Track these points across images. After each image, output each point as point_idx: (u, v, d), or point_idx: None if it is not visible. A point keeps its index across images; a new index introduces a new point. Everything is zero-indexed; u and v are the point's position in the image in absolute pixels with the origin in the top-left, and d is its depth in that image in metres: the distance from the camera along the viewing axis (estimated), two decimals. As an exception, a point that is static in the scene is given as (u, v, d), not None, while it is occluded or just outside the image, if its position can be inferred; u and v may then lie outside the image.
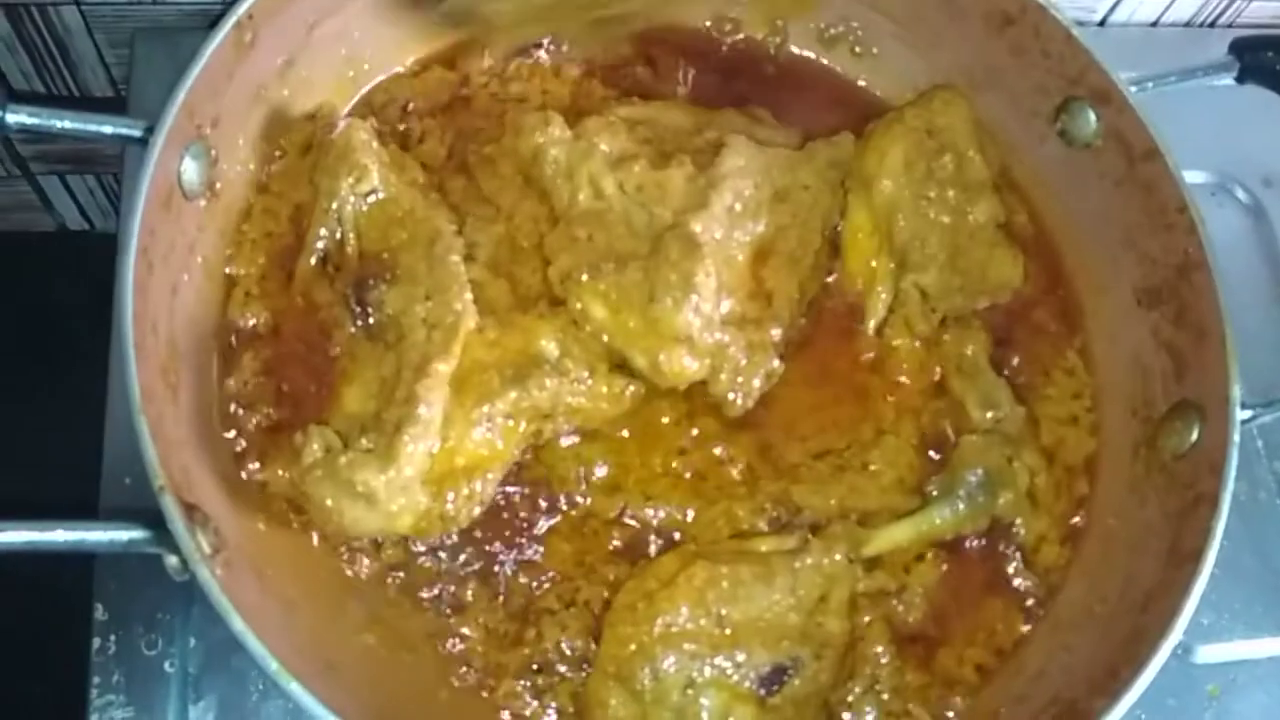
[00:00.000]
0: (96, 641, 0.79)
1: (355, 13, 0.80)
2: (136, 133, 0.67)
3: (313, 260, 0.76)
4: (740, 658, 0.69)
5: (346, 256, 0.76)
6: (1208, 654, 0.91)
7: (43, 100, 1.00)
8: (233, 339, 0.75)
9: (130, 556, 0.80)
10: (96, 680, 0.79)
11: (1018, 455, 0.77)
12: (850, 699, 0.71)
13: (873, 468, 0.78)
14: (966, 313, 0.82)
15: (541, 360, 0.73)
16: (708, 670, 0.69)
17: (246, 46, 0.72)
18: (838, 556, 0.72)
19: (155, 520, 0.60)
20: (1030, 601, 0.76)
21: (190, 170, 0.70)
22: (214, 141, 0.72)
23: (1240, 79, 0.81)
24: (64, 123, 0.66)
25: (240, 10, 0.70)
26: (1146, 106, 0.78)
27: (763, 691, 0.69)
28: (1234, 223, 1.09)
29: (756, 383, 0.77)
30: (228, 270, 0.76)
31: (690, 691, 0.68)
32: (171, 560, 0.60)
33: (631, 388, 0.76)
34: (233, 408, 0.73)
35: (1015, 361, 0.83)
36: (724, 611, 0.69)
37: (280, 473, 0.71)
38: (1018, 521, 0.77)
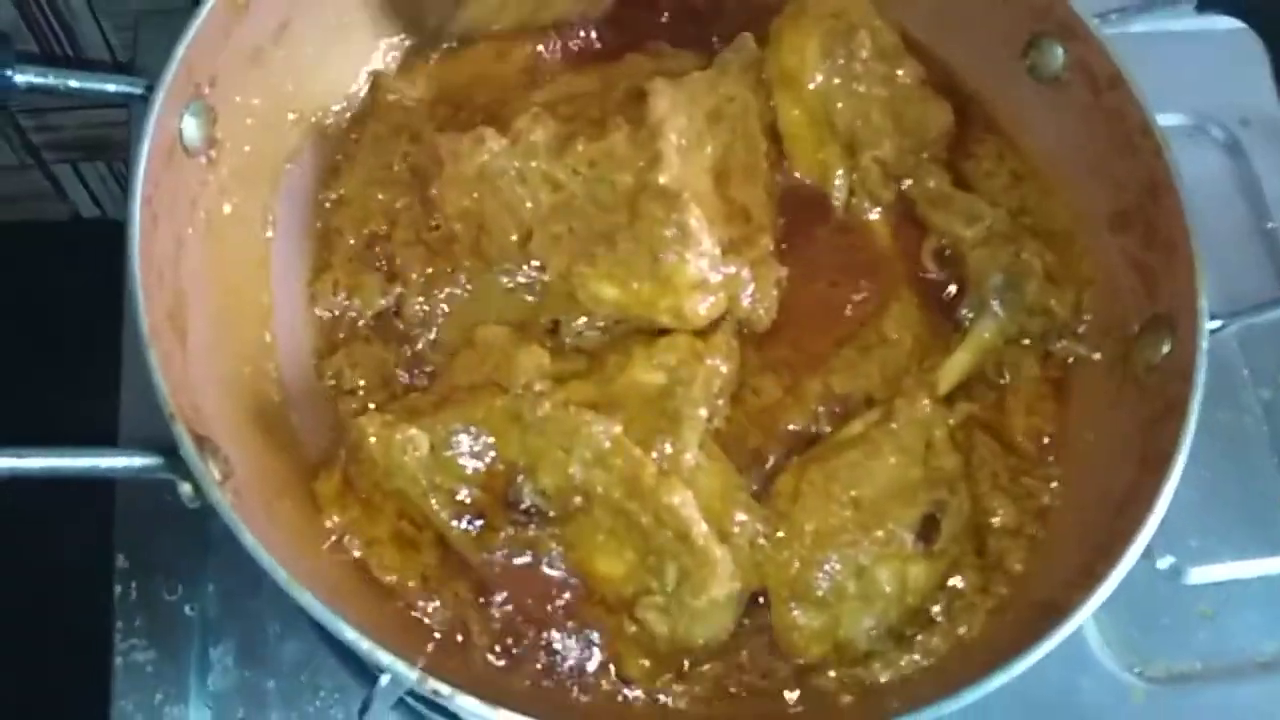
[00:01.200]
0: (118, 589, 0.83)
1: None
2: (138, 90, 0.70)
3: (460, 530, 0.74)
4: (890, 526, 0.73)
5: (477, 499, 0.74)
6: (1199, 575, 0.94)
7: (48, 61, 1.03)
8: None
9: (148, 506, 0.85)
10: (119, 625, 0.82)
11: (1021, 247, 0.82)
12: (986, 505, 0.77)
13: (893, 336, 0.82)
14: (924, 169, 0.87)
15: (666, 390, 0.74)
16: (869, 550, 0.73)
17: (241, 8, 0.75)
18: (924, 404, 0.77)
19: (168, 450, 0.63)
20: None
21: (190, 127, 0.73)
22: (213, 100, 0.75)
23: (1200, 7, 0.83)
24: (70, 82, 0.69)
25: (234, -29, 0.73)
26: (1123, 50, 0.80)
27: (923, 545, 0.74)
28: (1212, 161, 1.12)
29: (774, 293, 0.80)
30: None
31: (863, 576, 0.72)
32: (184, 487, 0.63)
33: (726, 334, 0.78)
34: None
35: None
36: (854, 494, 0.74)
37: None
38: (1052, 302, 0.82)
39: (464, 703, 0.59)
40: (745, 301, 0.79)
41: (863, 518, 0.74)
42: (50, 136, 1.20)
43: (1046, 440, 0.81)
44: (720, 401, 0.77)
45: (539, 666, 0.72)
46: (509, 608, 0.73)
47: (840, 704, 0.72)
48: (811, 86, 0.85)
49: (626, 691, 0.73)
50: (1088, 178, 0.84)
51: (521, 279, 0.81)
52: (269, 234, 0.82)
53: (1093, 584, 0.65)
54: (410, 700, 0.81)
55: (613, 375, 0.76)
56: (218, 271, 0.78)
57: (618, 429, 0.71)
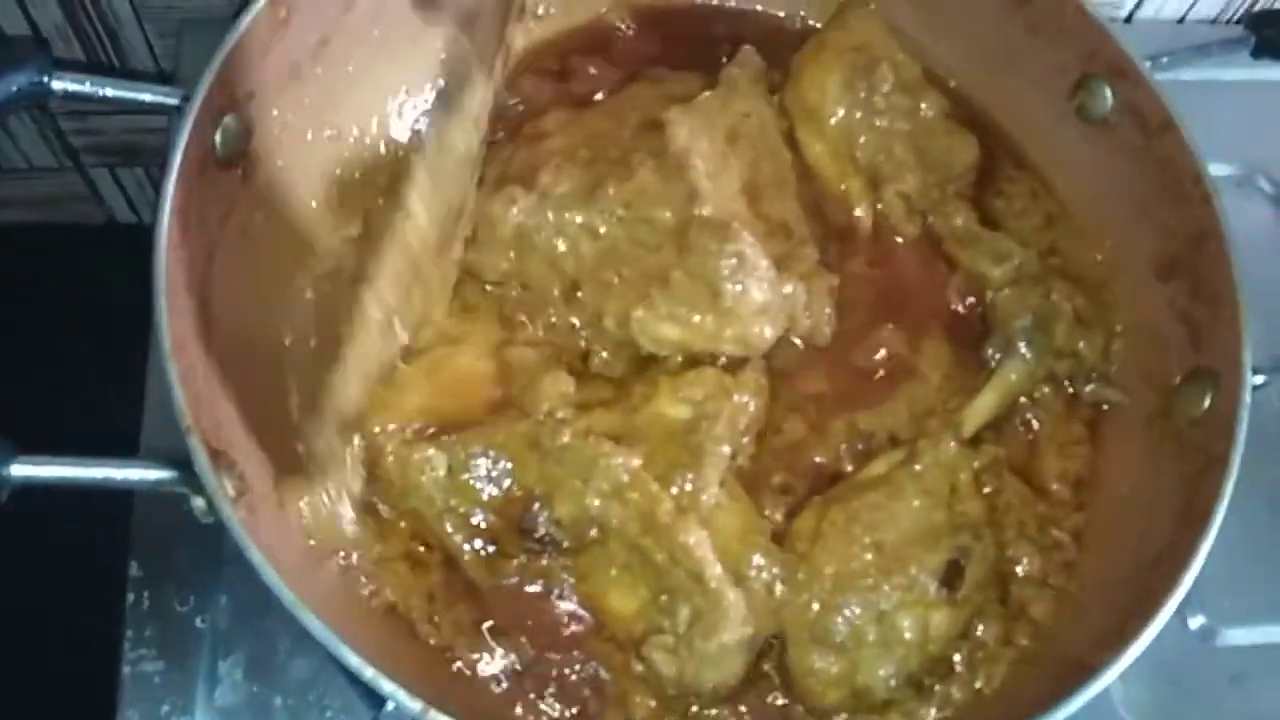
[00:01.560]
0: (130, 597, 0.82)
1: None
2: (174, 101, 0.70)
3: (472, 553, 0.73)
4: (913, 571, 0.72)
5: (492, 525, 0.73)
6: (1231, 638, 0.91)
7: (87, 68, 1.04)
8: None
9: (165, 517, 0.84)
10: (129, 634, 0.81)
11: (1051, 289, 0.81)
12: (1011, 553, 0.75)
13: (923, 371, 0.81)
14: (949, 203, 0.86)
15: (690, 425, 0.73)
16: (890, 596, 0.71)
17: (281, 23, 0.75)
18: (950, 445, 0.76)
19: (184, 464, 0.62)
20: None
21: (225, 139, 0.73)
22: (249, 113, 0.75)
23: (1255, 54, 0.82)
24: (106, 90, 0.69)
25: (274, -14, 0.73)
26: (1174, 97, 0.79)
27: (946, 591, 0.72)
28: (1260, 213, 1.10)
29: (828, 309, 0.80)
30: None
31: (884, 622, 0.71)
32: (197, 502, 0.62)
33: (755, 374, 0.77)
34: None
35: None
36: (876, 538, 0.72)
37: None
38: (1080, 345, 0.80)
39: (469, 736, 0.57)
40: (804, 319, 0.79)
41: (884, 562, 0.72)
42: (90, 140, 1.20)
43: (1078, 486, 0.79)
44: (745, 440, 0.76)
45: (543, 699, 0.71)
46: (521, 638, 0.72)
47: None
48: (833, 121, 0.85)
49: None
50: (1132, 223, 0.82)
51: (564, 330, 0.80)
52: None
53: (1123, 644, 0.63)
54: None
55: (637, 405, 0.74)
56: (248, 286, 0.78)
57: (636, 462, 0.70)
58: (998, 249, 0.84)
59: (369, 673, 0.57)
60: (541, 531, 0.71)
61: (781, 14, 0.95)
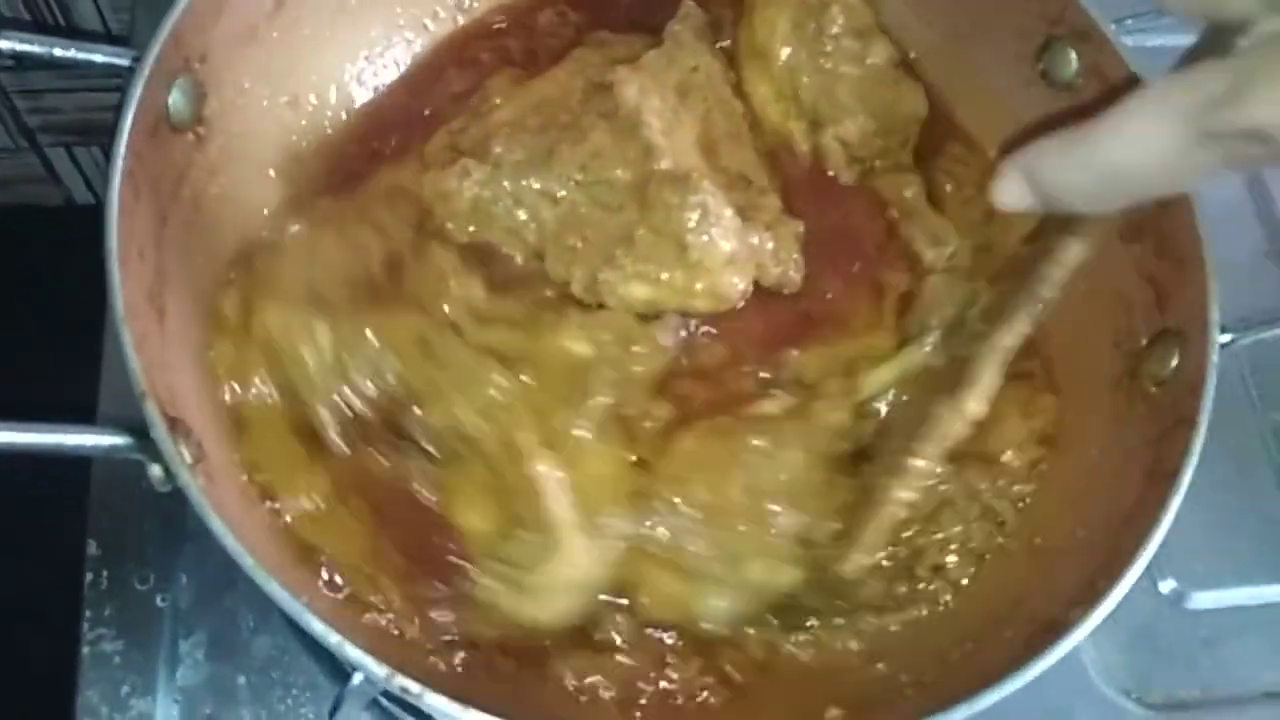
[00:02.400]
0: (89, 576, 0.81)
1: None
2: (125, 61, 0.68)
3: (340, 443, 0.72)
4: (774, 520, 0.70)
5: (363, 416, 0.72)
6: (1202, 600, 0.92)
7: (35, 28, 1.02)
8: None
9: (123, 496, 0.83)
10: (89, 614, 0.80)
11: (978, 288, 0.78)
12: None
13: (853, 324, 0.79)
14: (892, 157, 0.85)
15: (587, 363, 0.73)
16: (749, 539, 0.70)
17: (235, -18, 0.74)
18: (844, 406, 0.74)
19: (140, 432, 0.61)
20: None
21: (178, 102, 0.71)
22: (203, 76, 0.73)
23: (1216, 17, 0.81)
24: (55, 50, 0.67)
25: (228, -54, 0.72)
26: (1140, 62, 0.78)
27: (800, 547, 0.71)
28: (1229, 184, 1.10)
29: (795, 254, 0.79)
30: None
31: (735, 562, 0.70)
32: (154, 469, 0.61)
33: (670, 324, 0.76)
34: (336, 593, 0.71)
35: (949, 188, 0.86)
36: (753, 482, 0.71)
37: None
38: None
39: (434, 701, 0.56)
40: (773, 267, 0.78)
41: (750, 505, 0.71)
42: (46, 119, 1.18)
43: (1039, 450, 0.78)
44: (639, 392, 0.74)
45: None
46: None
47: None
48: (779, 61, 0.83)
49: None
50: (1099, 186, 0.82)
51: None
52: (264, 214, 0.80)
53: (1094, 599, 0.63)
54: (384, 701, 0.79)
55: (541, 333, 0.74)
56: (203, 252, 0.76)
57: (515, 386, 0.69)
58: (936, 231, 0.83)
59: (334, 638, 0.56)
60: (413, 432, 0.70)
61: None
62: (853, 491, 0.73)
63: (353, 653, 0.56)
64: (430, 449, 0.71)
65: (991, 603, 0.73)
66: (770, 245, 0.78)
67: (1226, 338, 0.71)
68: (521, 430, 0.69)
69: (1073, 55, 0.81)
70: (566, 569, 0.67)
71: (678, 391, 0.76)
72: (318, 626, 0.57)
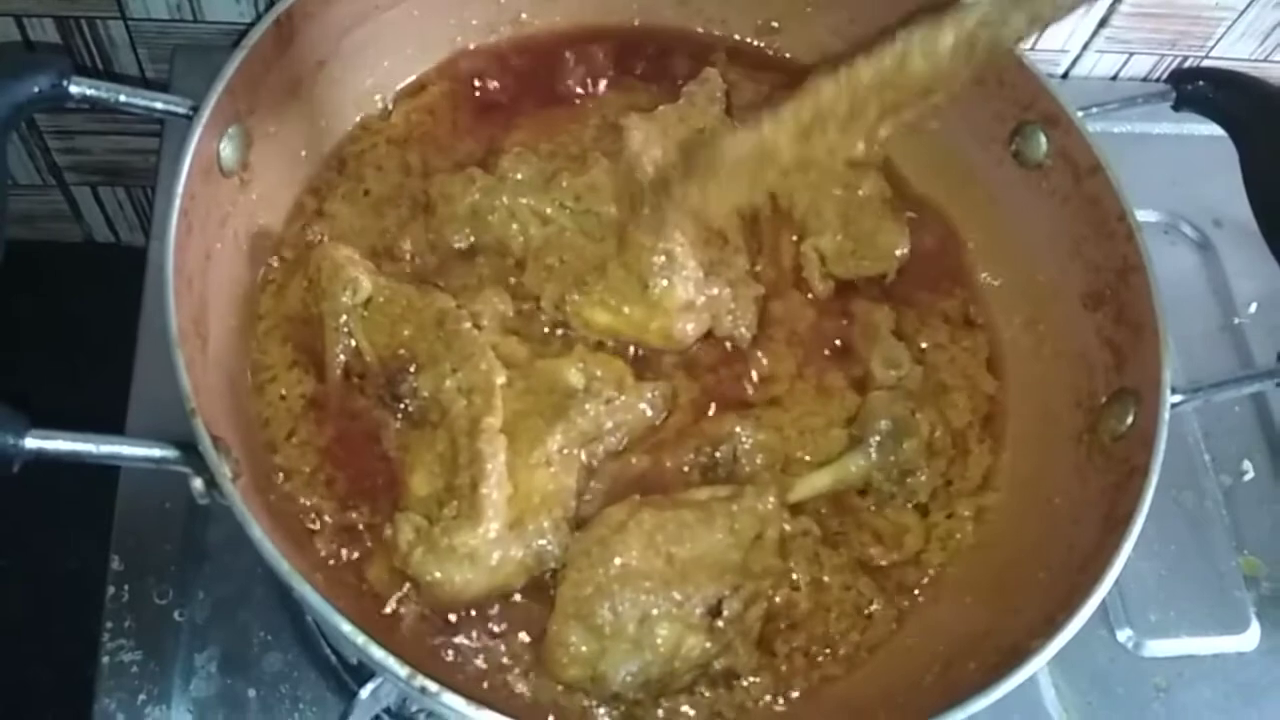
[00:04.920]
0: (111, 589, 0.85)
1: (385, 23, 0.89)
2: (183, 109, 0.74)
3: (338, 374, 0.81)
4: (690, 590, 0.74)
5: (367, 364, 0.81)
6: (1156, 648, 0.97)
7: (103, 76, 1.08)
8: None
9: (146, 513, 0.87)
10: (109, 625, 0.84)
11: (920, 409, 0.85)
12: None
13: (795, 410, 0.86)
14: (874, 285, 0.92)
15: (573, 392, 0.79)
16: (661, 604, 0.74)
17: (284, 42, 0.81)
18: (770, 502, 0.79)
19: (185, 445, 0.66)
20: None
21: (228, 149, 0.78)
22: (250, 126, 0.80)
23: (1176, 106, 0.89)
24: (121, 96, 0.74)
25: (280, 9, 0.79)
26: (1104, 147, 0.85)
27: (709, 619, 0.75)
28: (1185, 258, 1.18)
29: (751, 313, 0.86)
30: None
31: (645, 625, 0.73)
32: (196, 482, 0.66)
33: (658, 390, 0.83)
34: (307, 517, 0.78)
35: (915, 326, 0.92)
36: (672, 551, 0.75)
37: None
38: (919, 473, 0.85)
39: (450, 701, 0.61)
40: (727, 320, 0.85)
41: (670, 573, 0.75)
42: (76, 159, 1.24)
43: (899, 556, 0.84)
44: (615, 438, 0.80)
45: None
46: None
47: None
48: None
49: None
50: (1065, 259, 0.89)
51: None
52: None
53: (1053, 631, 0.69)
54: (386, 718, 0.83)
55: (545, 355, 0.82)
56: (241, 286, 0.82)
57: (501, 379, 0.77)
58: (892, 356, 0.89)
59: (361, 639, 0.61)
60: (402, 392, 0.79)
61: (750, 39, 1.01)
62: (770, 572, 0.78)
63: (378, 653, 0.61)
64: (410, 409, 0.79)
65: (955, 637, 0.79)
66: (730, 302, 0.85)
67: (1178, 398, 0.78)
68: (491, 416, 0.75)
69: (1043, 138, 0.89)
70: (477, 544, 0.72)
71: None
72: (346, 627, 0.61)
